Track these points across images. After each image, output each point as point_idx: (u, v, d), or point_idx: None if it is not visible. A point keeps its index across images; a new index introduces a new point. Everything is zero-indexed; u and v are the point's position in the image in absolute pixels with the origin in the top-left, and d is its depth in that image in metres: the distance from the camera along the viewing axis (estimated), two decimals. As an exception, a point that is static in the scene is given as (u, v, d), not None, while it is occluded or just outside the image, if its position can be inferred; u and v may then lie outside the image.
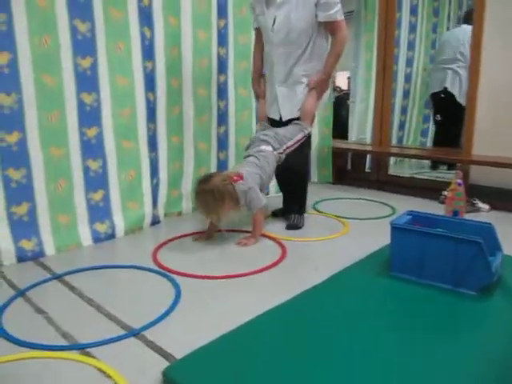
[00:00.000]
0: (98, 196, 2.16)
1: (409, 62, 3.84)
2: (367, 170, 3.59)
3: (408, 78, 3.87)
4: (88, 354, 1.21)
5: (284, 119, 2.31)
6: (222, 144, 2.81)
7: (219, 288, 1.65)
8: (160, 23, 2.31)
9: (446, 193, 2.56)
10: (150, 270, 1.81)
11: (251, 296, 1.59)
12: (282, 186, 2.56)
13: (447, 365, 1.12)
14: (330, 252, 2.03)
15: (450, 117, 3.48)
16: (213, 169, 2.76)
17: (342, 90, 5.28)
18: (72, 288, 1.65)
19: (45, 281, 1.70)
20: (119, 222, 2.23)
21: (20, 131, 1.85)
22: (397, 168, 3.73)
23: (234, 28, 2.70)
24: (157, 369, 1.12)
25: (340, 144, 3.68)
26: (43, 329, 1.35)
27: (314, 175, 3.57)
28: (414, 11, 3.78)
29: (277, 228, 2.35)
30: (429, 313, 1.41)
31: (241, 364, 1.13)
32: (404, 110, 3.92)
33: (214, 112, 2.72)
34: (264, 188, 2.25)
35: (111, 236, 2.20)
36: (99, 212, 2.17)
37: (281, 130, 2.24)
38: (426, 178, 3.42)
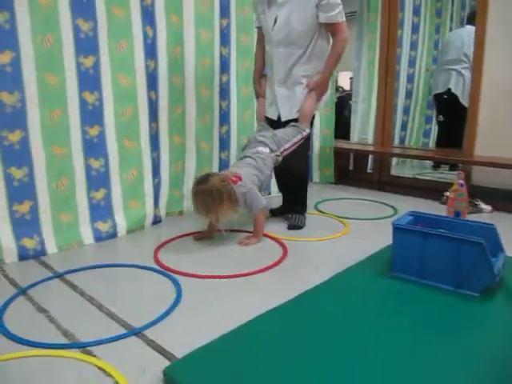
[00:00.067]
0: (99, 195, 2.16)
1: (411, 63, 3.84)
2: (369, 170, 3.58)
3: (410, 79, 3.87)
4: (89, 353, 1.22)
5: (283, 120, 2.31)
6: (224, 144, 2.81)
7: (220, 288, 1.64)
8: (162, 22, 2.31)
9: (448, 193, 2.56)
10: (151, 269, 1.81)
11: (252, 296, 1.59)
12: (282, 186, 2.56)
13: (448, 365, 1.12)
14: (331, 252, 2.03)
15: (453, 118, 3.47)
16: (215, 169, 2.77)
17: (345, 90, 5.29)
18: (73, 287, 1.65)
19: (46, 279, 1.70)
20: (121, 221, 2.24)
21: (22, 130, 1.85)
22: (399, 168, 3.73)
23: (236, 27, 2.70)
24: (157, 368, 1.12)
25: (342, 144, 3.68)
26: (44, 327, 1.35)
27: (315, 175, 3.57)
28: (416, 11, 3.77)
29: (278, 228, 2.34)
30: (430, 314, 1.41)
31: (241, 364, 1.13)
32: (406, 111, 3.91)
33: (216, 112, 2.72)
34: (262, 189, 2.24)
35: (113, 235, 2.20)
36: (101, 211, 2.17)
37: (279, 132, 2.23)
38: (428, 178, 3.42)
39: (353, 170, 3.65)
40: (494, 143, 2.81)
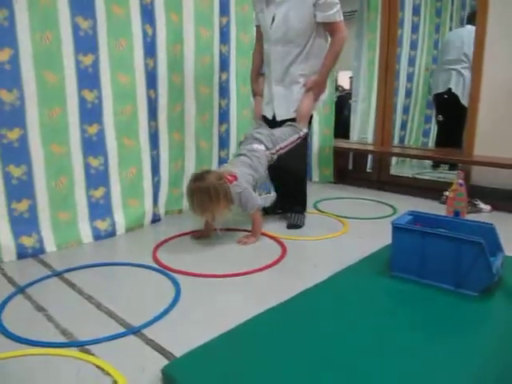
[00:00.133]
0: (98, 193, 2.15)
1: (411, 62, 3.84)
2: (368, 169, 3.58)
3: (410, 78, 3.86)
4: (87, 352, 1.21)
5: (278, 119, 2.30)
6: (224, 142, 2.81)
7: (219, 286, 1.64)
8: (162, 20, 2.30)
9: (447, 193, 2.55)
10: (150, 267, 1.81)
11: (251, 295, 1.59)
12: (282, 186, 2.54)
13: (447, 365, 1.12)
14: (331, 251, 2.03)
15: (453, 117, 3.47)
16: (214, 167, 2.76)
17: (344, 90, 5.28)
18: (72, 285, 1.64)
19: (45, 278, 1.70)
20: (120, 220, 2.23)
21: (21, 128, 1.85)
22: (398, 168, 3.72)
23: (236, 26, 2.70)
24: (156, 367, 1.12)
25: (341, 143, 3.68)
26: (43, 326, 1.35)
27: (315, 175, 3.57)
28: (416, 11, 3.77)
29: (277, 227, 2.34)
30: (429, 313, 1.41)
31: (240, 363, 1.13)
32: (406, 110, 3.91)
33: (216, 110, 2.72)
34: (257, 188, 2.22)
35: (112, 233, 2.20)
36: (100, 209, 2.17)
37: (276, 131, 2.23)
38: (427, 178, 3.41)
39: (352, 170, 3.64)
40: (493, 143, 2.81)
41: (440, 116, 3.64)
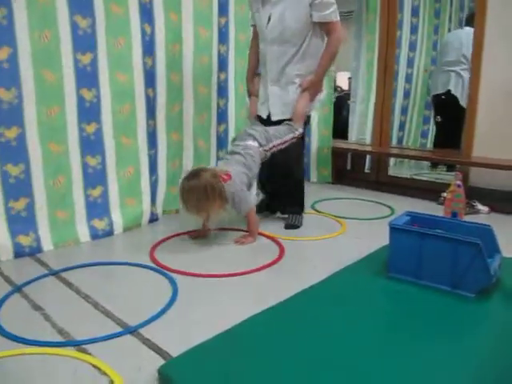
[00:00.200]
0: (96, 192, 2.15)
1: (410, 63, 3.84)
2: (367, 170, 3.58)
3: (409, 79, 3.87)
4: (84, 351, 1.21)
5: (273, 119, 2.29)
6: (222, 142, 2.80)
7: (216, 286, 1.64)
8: (161, 19, 2.30)
9: (445, 194, 2.56)
10: (147, 267, 1.81)
11: (248, 295, 1.59)
12: (279, 187, 2.54)
13: (444, 366, 1.12)
14: (328, 252, 2.03)
15: (452, 119, 3.47)
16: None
17: (343, 90, 5.28)
18: (69, 284, 1.64)
19: (42, 277, 1.69)
20: (117, 219, 2.23)
21: (19, 126, 1.84)
22: (396, 169, 3.73)
23: (235, 26, 2.70)
24: (152, 366, 1.12)
25: (340, 144, 3.68)
26: (39, 325, 1.35)
27: (313, 175, 3.57)
28: (415, 12, 3.77)
29: (275, 227, 2.34)
30: (426, 314, 1.41)
31: (236, 363, 1.13)
32: (404, 111, 3.91)
33: (214, 110, 2.72)
34: (251, 187, 2.21)
35: (109, 233, 2.19)
36: (98, 208, 2.16)
37: (271, 129, 2.22)
38: (425, 179, 3.42)
39: (350, 170, 3.65)
40: (491, 144, 2.81)
41: (438, 117, 3.64)
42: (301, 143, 2.37)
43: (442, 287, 1.54)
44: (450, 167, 3.44)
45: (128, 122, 2.21)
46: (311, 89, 2.23)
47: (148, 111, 2.29)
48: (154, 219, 2.43)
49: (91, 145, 2.09)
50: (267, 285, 1.69)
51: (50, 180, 1.97)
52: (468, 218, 2.38)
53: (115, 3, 2.06)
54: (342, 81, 5.49)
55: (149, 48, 2.25)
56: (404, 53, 3.78)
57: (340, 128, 4.12)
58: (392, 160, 3.66)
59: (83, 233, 2.11)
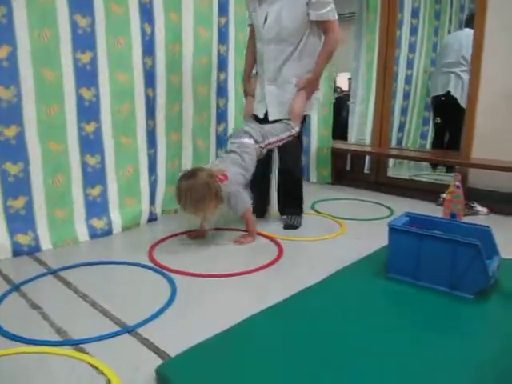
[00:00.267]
0: (95, 192, 2.15)
1: (410, 64, 3.84)
2: (366, 171, 3.59)
3: (408, 80, 3.87)
4: (82, 350, 1.21)
5: (270, 118, 2.28)
6: (221, 142, 2.80)
7: (215, 286, 1.64)
8: (161, 19, 2.30)
9: (444, 195, 2.56)
10: (145, 267, 1.80)
11: (247, 295, 1.58)
12: (278, 187, 2.54)
13: (443, 367, 1.12)
14: (327, 252, 2.02)
15: (451, 120, 3.48)
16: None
17: (343, 91, 5.28)
18: (67, 283, 1.64)
19: (40, 276, 1.69)
20: (116, 219, 2.23)
21: (18, 125, 1.84)
22: (396, 169, 3.73)
23: (234, 26, 2.70)
24: (150, 366, 1.11)
25: (339, 145, 3.68)
26: (37, 324, 1.35)
27: (313, 175, 3.57)
28: (415, 13, 3.78)
29: (274, 227, 2.34)
30: (425, 315, 1.41)
31: (234, 363, 1.13)
32: (404, 112, 3.92)
33: (214, 110, 2.72)
34: (247, 187, 2.18)
35: (108, 232, 2.19)
36: (96, 208, 2.16)
37: (267, 126, 2.21)
38: (424, 180, 3.42)
39: (350, 171, 3.65)
40: (490, 146, 2.81)
41: (438, 118, 3.65)
42: (298, 144, 2.37)
43: (441, 288, 1.54)
44: (450, 168, 3.44)
45: (127, 121, 2.21)
46: (308, 87, 2.23)
47: (147, 111, 2.29)
48: (152, 219, 2.43)
49: (90, 144, 2.09)
50: (266, 285, 1.69)
51: (49, 179, 1.97)
52: (467, 219, 2.38)
53: (115, 3, 2.06)
54: (342, 81, 5.50)
55: (149, 48, 2.24)
56: (404, 54, 3.79)
57: (340, 129, 4.12)
58: (391, 161, 3.67)
59: (82, 232, 2.10)
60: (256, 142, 2.15)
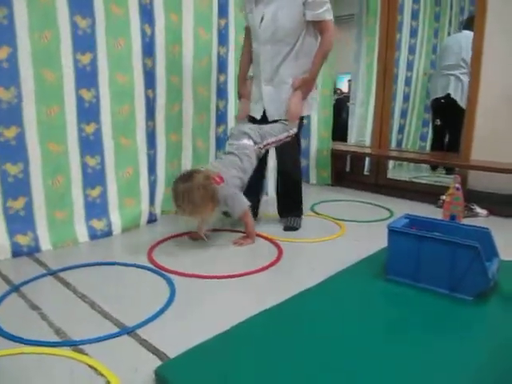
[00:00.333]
0: (95, 192, 2.15)
1: (409, 66, 3.85)
2: (366, 172, 3.59)
3: (408, 82, 3.87)
4: (81, 351, 1.21)
5: (270, 119, 2.28)
6: (221, 143, 2.80)
7: (214, 288, 1.64)
8: (161, 20, 2.30)
9: (444, 197, 2.56)
10: (145, 268, 1.80)
11: (246, 296, 1.58)
12: (277, 189, 2.54)
13: (442, 369, 1.12)
14: (327, 254, 2.02)
15: (451, 122, 3.48)
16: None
17: (343, 93, 5.29)
18: (67, 284, 1.64)
19: (39, 276, 1.69)
20: (116, 220, 2.23)
21: (18, 126, 1.84)
22: (395, 171, 3.73)
23: (234, 27, 2.70)
24: (149, 367, 1.11)
25: (339, 146, 3.68)
26: (36, 324, 1.34)
27: (313, 177, 3.58)
28: (415, 15, 3.78)
29: (273, 229, 2.34)
30: (424, 317, 1.41)
31: (234, 364, 1.12)
32: (404, 114, 3.92)
33: (213, 111, 2.72)
34: (243, 189, 2.17)
35: (108, 233, 2.19)
36: (96, 209, 2.16)
37: (266, 126, 2.21)
38: (424, 182, 3.42)
39: (350, 172, 3.65)
40: (490, 148, 2.82)
41: (438, 120, 3.65)
42: (296, 146, 2.37)
43: (440, 290, 1.54)
44: (449, 170, 3.44)
45: (127, 122, 2.21)
46: (303, 87, 2.21)
47: (147, 112, 2.29)
48: (152, 220, 2.43)
49: (90, 145, 2.09)
50: (265, 286, 1.68)
51: (48, 180, 1.97)
52: (466, 221, 2.38)
53: (115, 4, 2.06)
54: (342, 83, 5.50)
55: (149, 49, 2.25)
56: (403, 56, 3.79)
57: (339, 130, 4.13)
58: (391, 163, 3.67)
59: (82, 233, 2.10)
60: (255, 143, 2.15)
